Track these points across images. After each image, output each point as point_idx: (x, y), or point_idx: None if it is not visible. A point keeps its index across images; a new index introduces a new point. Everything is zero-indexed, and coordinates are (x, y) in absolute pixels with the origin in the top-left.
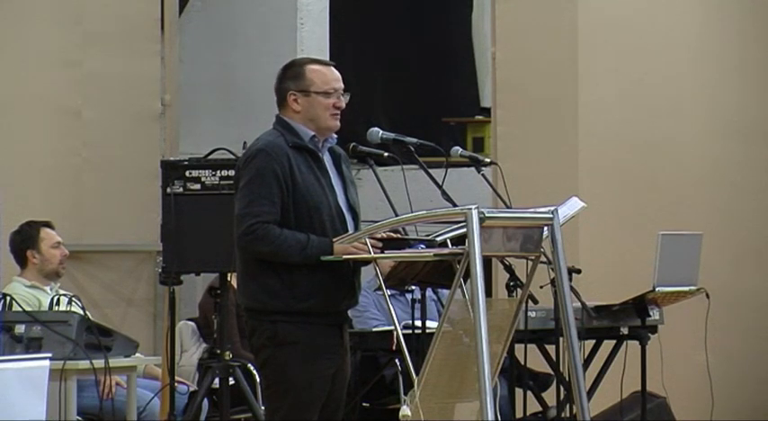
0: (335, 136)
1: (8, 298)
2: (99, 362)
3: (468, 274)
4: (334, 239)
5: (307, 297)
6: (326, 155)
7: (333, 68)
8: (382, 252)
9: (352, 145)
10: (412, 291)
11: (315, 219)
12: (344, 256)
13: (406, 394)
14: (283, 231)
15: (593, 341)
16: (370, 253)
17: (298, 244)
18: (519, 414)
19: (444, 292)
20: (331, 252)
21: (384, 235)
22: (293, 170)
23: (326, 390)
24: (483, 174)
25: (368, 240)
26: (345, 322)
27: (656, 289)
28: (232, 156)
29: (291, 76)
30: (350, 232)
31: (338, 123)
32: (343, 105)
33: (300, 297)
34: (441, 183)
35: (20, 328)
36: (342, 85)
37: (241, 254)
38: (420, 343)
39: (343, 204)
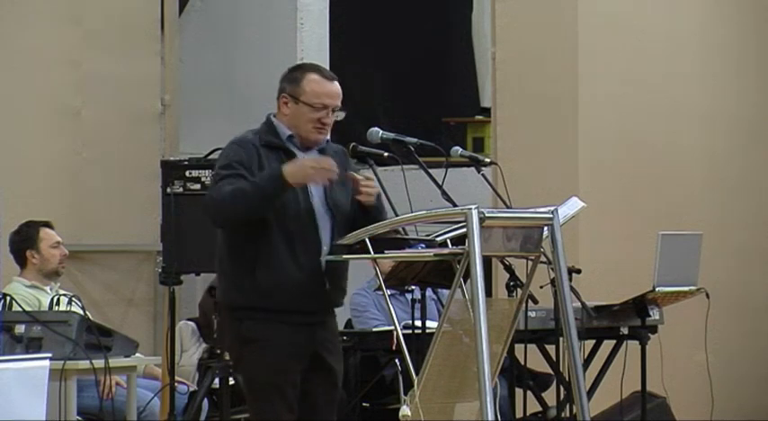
0: (327, 137)
1: (8, 298)
2: (99, 362)
3: (468, 274)
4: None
5: (269, 293)
6: (315, 154)
7: (334, 83)
8: (382, 252)
9: (352, 145)
10: (412, 291)
11: (279, 216)
12: (306, 177)
13: (406, 394)
14: (232, 183)
15: (594, 341)
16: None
17: (248, 184)
18: (519, 414)
19: (444, 292)
20: (281, 174)
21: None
22: (262, 163)
23: (296, 389)
24: (483, 174)
25: (368, 240)
26: (320, 324)
27: (656, 289)
28: None
29: (290, 78)
30: (321, 233)
31: (321, 137)
32: (331, 122)
33: (263, 293)
34: (441, 183)
35: (20, 328)
36: (336, 103)
37: (218, 250)
38: (420, 343)
39: (320, 204)
